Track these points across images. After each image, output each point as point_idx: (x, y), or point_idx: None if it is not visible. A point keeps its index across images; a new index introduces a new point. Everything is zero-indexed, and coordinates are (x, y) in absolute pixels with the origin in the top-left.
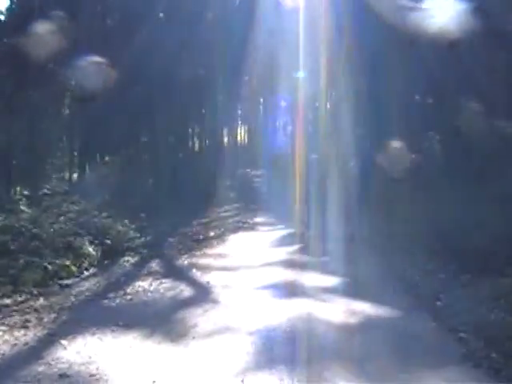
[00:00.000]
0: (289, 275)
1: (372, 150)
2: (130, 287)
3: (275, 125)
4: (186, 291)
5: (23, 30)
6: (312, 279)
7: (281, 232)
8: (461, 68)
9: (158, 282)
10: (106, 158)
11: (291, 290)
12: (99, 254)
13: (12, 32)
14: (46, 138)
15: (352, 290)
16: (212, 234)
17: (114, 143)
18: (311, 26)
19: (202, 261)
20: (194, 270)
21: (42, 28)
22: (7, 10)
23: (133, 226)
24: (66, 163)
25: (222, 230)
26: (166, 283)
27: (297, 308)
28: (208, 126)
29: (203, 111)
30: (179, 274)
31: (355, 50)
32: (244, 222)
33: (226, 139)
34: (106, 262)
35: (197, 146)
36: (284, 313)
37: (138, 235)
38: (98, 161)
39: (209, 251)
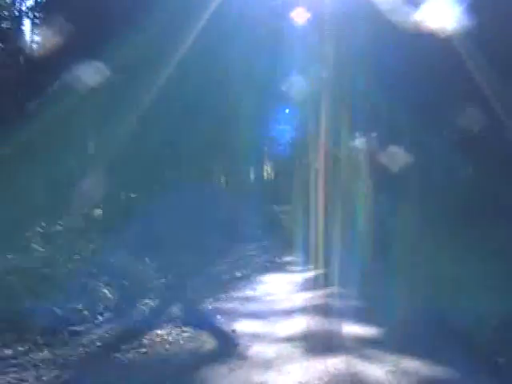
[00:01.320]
0: (324, 323)
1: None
2: (147, 337)
3: (301, 162)
4: (209, 343)
5: None
6: (350, 329)
7: (310, 273)
8: None
9: (179, 330)
10: (132, 195)
11: (328, 343)
12: (116, 296)
13: None
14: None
15: (397, 343)
16: (238, 274)
17: (139, 181)
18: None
19: (228, 305)
20: (219, 317)
21: None
22: None
23: (153, 265)
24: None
25: (249, 270)
26: (187, 332)
27: (337, 366)
28: (234, 163)
29: (230, 149)
30: (202, 320)
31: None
32: (271, 262)
33: (252, 176)
34: (123, 305)
35: (223, 182)
36: (322, 372)
37: (159, 275)
38: (122, 198)
39: (235, 294)
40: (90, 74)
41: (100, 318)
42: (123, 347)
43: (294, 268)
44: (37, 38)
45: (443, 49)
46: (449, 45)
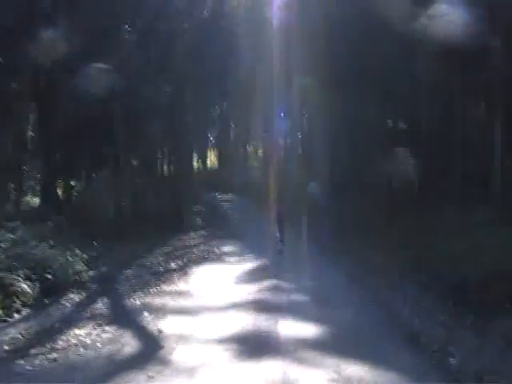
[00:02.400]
0: (259, 322)
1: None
2: (64, 337)
3: (246, 149)
4: (130, 345)
5: None
6: (288, 328)
7: (250, 263)
8: None
9: (100, 329)
10: (72, 183)
11: (263, 344)
12: (36, 291)
13: None
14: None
15: (340, 344)
16: (173, 265)
17: (78, 167)
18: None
19: (158, 300)
20: (146, 314)
21: None
22: None
23: (85, 256)
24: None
25: (185, 260)
26: (108, 332)
27: (271, 374)
28: (177, 150)
29: (172, 135)
30: (127, 318)
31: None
32: (210, 252)
33: (195, 164)
34: (46, 300)
35: (165, 169)
36: (253, 382)
37: (88, 267)
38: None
39: (167, 287)
40: None
41: (16, 315)
42: (32, 352)
43: (232, 258)
44: None
45: None
46: None
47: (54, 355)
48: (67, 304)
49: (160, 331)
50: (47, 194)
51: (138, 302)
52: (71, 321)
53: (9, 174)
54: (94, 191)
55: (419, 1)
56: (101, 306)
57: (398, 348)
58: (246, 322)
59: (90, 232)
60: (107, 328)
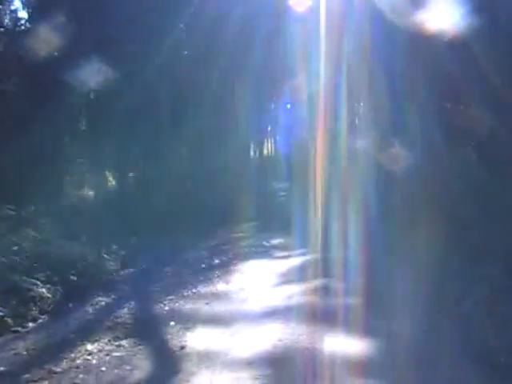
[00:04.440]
0: (304, 335)
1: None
2: (70, 355)
3: (298, 136)
4: (141, 369)
5: None
6: (339, 344)
7: (300, 259)
8: None
9: (115, 344)
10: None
11: (302, 369)
12: (58, 295)
13: None
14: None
15: (403, 366)
16: (217, 261)
17: (130, 158)
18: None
19: (189, 306)
20: (172, 323)
21: None
22: None
23: (122, 253)
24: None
25: (230, 255)
26: (123, 348)
27: None
28: (232, 138)
29: (227, 123)
30: (150, 328)
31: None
32: (259, 246)
33: (252, 152)
34: (69, 305)
35: (218, 159)
36: None
37: (124, 265)
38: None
39: (204, 288)
40: None
41: (31, 324)
42: (24, 377)
43: (281, 253)
44: None
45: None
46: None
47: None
48: (90, 310)
49: (182, 347)
50: (99, 187)
51: (167, 308)
52: (87, 331)
53: (63, 167)
54: (147, 183)
55: None
56: (126, 312)
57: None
58: (287, 335)
59: (137, 225)
60: (124, 342)
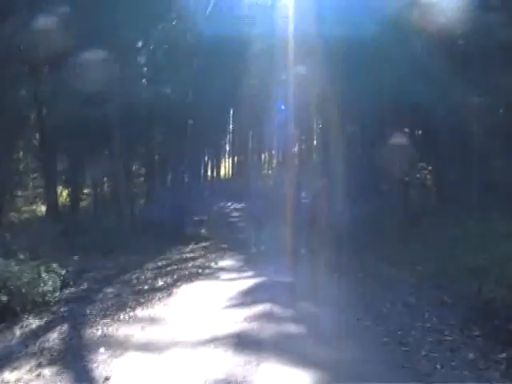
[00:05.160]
0: (237, 365)
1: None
2: None
3: (261, 158)
4: None
5: None
6: (272, 375)
7: (246, 281)
8: None
9: (35, 373)
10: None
11: None
12: None
13: None
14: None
15: None
16: (161, 283)
17: (81, 173)
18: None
19: (124, 330)
20: (102, 349)
21: None
22: None
23: (63, 273)
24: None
25: (176, 276)
26: (41, 379)
27: None
28: (188, 157)
29: (177, 142)
30: (77, 355)
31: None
32: (206, 267)
33: (209, 172)
34: None
35: (170, 177)
36: None
37: (64, 285)
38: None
39: (141, 313)
40: None
41: None
42: None
43: (229, 275)
44: None
45: None
46: None
47: None
48: (18, 333)
49: (107, 378)
50: (50, 203)
51: (99, 333)
52: (10, 357)
53: (14, 181)
54: (99, 200)
55: None
56: (56, 336)
57: None
58: (221, 365)
59: (84, 243)
60: (46, 371)
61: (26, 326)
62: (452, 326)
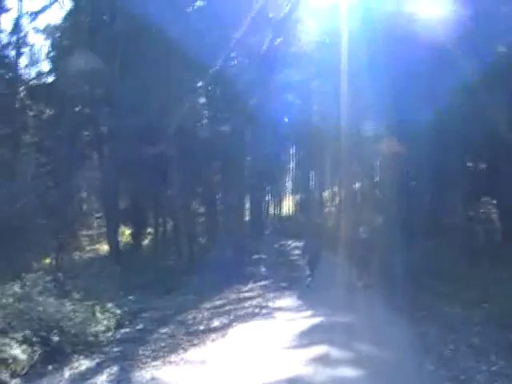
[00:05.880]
0: None
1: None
2: None
3: (322, 195)
4: None
5: None
6: None
7: (303, 322)
8: None
9: None
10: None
11: None
12: (35, 357)
13: None
14: None
15: None
16: (216, 323)
17: (142, 214)
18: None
19: (174, 373)
20: None
21: None
22: None
23: (117, 312)
24: None
25: (232, 317)
26: None
27: None
28: (251, 196)
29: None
30: None
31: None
32: (263, 307)
33: (271, 210)
34: (48, 367)
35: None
36: None
37: (119, 325)
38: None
39: (193, 355)
40: None
41: None
42: None
43: (286, 316)
44: None
45: None
46: None
47: None
48: (67, 375)
49: None
50: (112, 242)
51: (148, 376)
52: None
53: (78, 221)
54: (161, 239)
55: None
56: (104, 379)
57: None
58: None
59: (143, 283)
60: None
61: (76, 368)
62: None
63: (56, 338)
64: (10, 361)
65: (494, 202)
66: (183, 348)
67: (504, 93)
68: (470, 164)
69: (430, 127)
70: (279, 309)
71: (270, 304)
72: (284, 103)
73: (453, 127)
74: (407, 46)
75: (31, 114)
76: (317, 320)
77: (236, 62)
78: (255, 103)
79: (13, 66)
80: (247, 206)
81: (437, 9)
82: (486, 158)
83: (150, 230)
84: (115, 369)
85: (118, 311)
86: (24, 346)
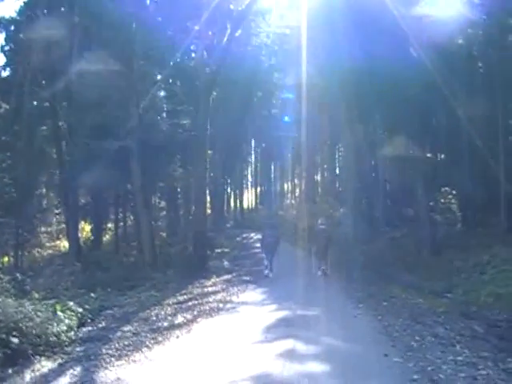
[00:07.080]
0: None
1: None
2: None
3: (284, 188)
4: None
5: None
6: None
7: (268, 316)
8: None
9: None
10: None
11: None
12: None
13: None
14: None
15: None
16: (181, 319)
17: (101, 208)
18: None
19: (139, 372)
20: None
21: None
22: None
23: (79, 310)
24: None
25: (196, 312)
26: None
27: None
28: (212, 190)
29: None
30: None
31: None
32: (227, 301)
33: (232, 203)
34: (8, 371)
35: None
36: None
37: (81, 324)
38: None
39: (158, 352)
40: None
41: None
42: None
43: (251, 310)
44: None
45: None
46: None
47: None
48: (28, 377)
49: None
50: (72, 238)
51: (113, 376)
52: None
53: (38, 218)
54: (120, 234)
55: None
56: (68, 381)
57: None
58: None
59: (105, 280)
60: None
61: (38, 370)
62: (485, 358)
63: (16, 340)
64: None
65: (454, 192)
66: (147, 346)
67: (461, 83)
68: (429, 155)
69: (388, 119)
70: (243, 303)
71: (234, 298)
72: (245, 96)
73: (412, 117)
74: (366, 30)
75: None
76: (281, 314)
77: (196, 54)
78: (216, 95)
79: None
80: (208, 199)
81: None
82: (445, 149)
83: (110, 225)
84: (78, 369)
85: (80, 309)
86: None
